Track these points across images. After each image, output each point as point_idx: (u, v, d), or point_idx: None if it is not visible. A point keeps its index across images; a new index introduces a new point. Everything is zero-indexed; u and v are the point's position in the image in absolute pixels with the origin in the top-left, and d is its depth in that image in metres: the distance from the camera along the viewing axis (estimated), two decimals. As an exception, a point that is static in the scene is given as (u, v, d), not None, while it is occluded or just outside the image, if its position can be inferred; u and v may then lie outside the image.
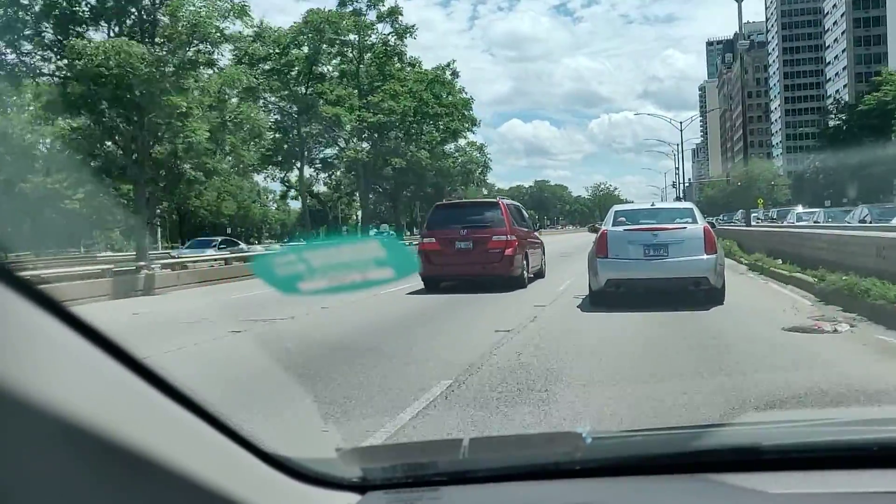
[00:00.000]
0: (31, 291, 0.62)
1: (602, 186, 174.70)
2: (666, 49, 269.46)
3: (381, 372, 5.89)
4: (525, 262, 13.90)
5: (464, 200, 17.43)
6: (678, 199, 52.29)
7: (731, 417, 4.02)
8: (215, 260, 23.69)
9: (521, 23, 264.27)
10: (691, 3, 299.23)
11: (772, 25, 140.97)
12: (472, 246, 13.29)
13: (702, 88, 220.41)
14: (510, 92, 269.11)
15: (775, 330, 7.49)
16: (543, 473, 1.19)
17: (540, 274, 15.46)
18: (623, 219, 10.76)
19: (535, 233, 16.43)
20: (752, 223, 31.26)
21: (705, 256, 9.99)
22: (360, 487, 1.12)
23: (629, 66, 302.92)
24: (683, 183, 58.88)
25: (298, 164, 46.96)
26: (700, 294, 9.86)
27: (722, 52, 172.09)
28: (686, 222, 10.45)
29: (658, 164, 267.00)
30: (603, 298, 10.09)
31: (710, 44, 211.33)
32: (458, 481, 1.19)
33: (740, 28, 29.95)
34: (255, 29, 36.93)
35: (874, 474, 1.14)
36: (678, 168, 55.32)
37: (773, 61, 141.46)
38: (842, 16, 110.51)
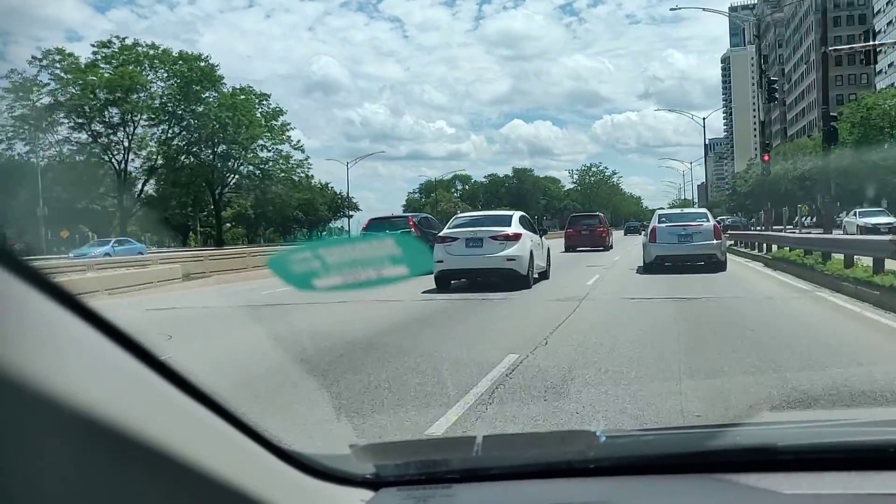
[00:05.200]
0: (46, 284, 0.61)
1: (593, 170, 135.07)
2: (667, 49, 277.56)
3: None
4: (610, 239, 31.23)
5: (583, 213, 35.33)
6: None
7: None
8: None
9: (524, 22, 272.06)
10: (697, 3, 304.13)
11: None
12: (588, 232, 30.26)
13: (724, 60, 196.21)
14: (510, 91, 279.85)
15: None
16: (557, 472, 1.20)
17: (611, 246, 31.95)
18: (664, 219, 17.17)
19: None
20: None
21: (714, 241, 15.91)
22: (374, 484, 1.13)
23: (630, 66, 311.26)
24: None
25: None
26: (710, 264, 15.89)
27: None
28: (703, 221, 16.57)
29: (665, 164, 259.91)
30: (651, 268, 16.28)
31: (733, 9, 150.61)
32: (471, 479, 1.20)
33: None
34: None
35: (889, 476, 1.14)
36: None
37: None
38: None
